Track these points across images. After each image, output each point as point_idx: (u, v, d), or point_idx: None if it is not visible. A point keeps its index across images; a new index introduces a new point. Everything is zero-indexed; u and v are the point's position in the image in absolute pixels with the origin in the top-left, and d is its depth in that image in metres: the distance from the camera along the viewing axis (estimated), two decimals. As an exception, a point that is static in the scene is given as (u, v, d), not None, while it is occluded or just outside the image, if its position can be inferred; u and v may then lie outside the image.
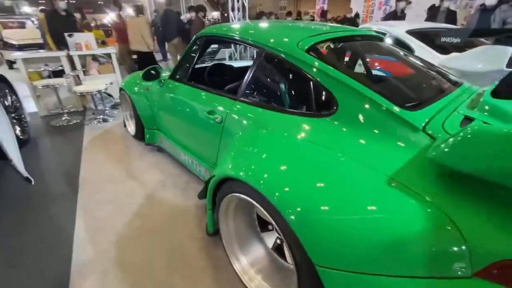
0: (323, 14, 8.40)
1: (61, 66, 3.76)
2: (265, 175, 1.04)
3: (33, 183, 1.79)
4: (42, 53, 3.78)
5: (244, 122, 1.43)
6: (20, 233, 1.69)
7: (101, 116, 3.69)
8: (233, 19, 5.48)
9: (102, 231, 1.70)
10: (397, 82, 1.47)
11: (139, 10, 4.59)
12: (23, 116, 3.08)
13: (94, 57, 4.08)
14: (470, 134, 0.80)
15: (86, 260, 1.49)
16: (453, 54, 2.64)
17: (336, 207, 0.89)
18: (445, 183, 0.86)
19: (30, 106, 3.70)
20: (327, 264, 0.88)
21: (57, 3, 3.92)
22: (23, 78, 3.65)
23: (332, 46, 1.55)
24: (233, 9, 5.89)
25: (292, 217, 0.92)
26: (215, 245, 1.50)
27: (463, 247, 0.77)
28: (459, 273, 0.78)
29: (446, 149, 0.82)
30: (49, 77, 3.67)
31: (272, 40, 1.43)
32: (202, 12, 5.30)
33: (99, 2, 22.01)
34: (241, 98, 1.52)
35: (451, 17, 4.77)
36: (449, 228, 0.79)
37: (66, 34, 3.79)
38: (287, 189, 0.98)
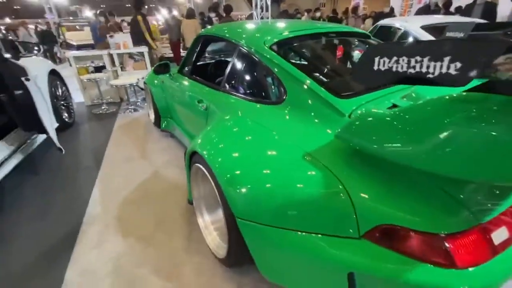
0: (354, 10, 8.18)
1: (103, 63, 4.40)
2: (212, 151, 1.28)
3: (63, 152, 2.27)
4: (88, 52, 4.46)
5: (220, 108, 1.68)
6: (47, 193, 2.17)
7: (133, 107, 4.24)
8: (256, 17, 5.71)
9: (112, 194, 2.10)
10: (345, 75, 1.58)
11: (192, 13, 5.51)
12: (70, 104, 3.73)
13: (130, 55, 4.67)
14: (358, 116, 0.94)
15: (95, 215, 1.89)
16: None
17: (255, 172, 1.10)
18: (345, 157, 1.01)
19: (79, 96, 4.42)
20: (243, 216, 1.09)
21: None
22: (74, 72, 4.38)
23: (301, 42, 1.70)
24: (256, 7, 6.11)
25: (224, 179, 1.15)
26: (193, 213, 1.78)
27: (351, 211, 0.92)
28: (350, 231, 0.93)
29: (342, 129, 0.97)
30: (92, 72, 4.33)
31: (245, 38, 1.64)
32: (213, 13, 5.88)
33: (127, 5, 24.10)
34: (221, 89, 1.77)
35: (489, 10, 4.38)
36: (341, 195, 0.94)
37: (107, 35, 4.42)
38: (221, 159, 1.22)
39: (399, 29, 3.38)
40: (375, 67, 0.77)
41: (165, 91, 2.84)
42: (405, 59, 0.68)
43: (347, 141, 0.97)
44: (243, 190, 1.09)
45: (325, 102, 1.20)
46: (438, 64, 0.61)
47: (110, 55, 4.43)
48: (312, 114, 1.23)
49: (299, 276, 1.09)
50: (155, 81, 3.08)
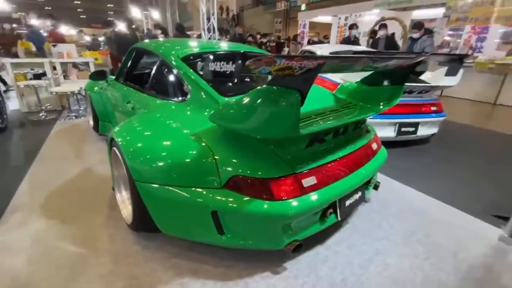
0: (294, 37, 9.42)
1: (43, 70, 4.41)
2: (122, 135, 1.64)
3: None
4: (27, 59, 4.45)
5: (141, 106, 2.03)
6: None
7: (74, 114, 4.29)
8: (204, 37, 6.25)
9: (41, 187, 2.24)
10: (231, 81, 2.07)
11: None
12: (4, 109, 3.68)
13: (75, 65, 4.75)
14: (218, 106, 1.38)
15: (20, 204, 2.02)
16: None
17: (149, 147, 1.49)
18: (216, 133, 1.43)
19: (15, 103, 4.33)
20: (140, 179, 1.44)
21: None
22: (11, 78, 4.31)
23: (205, 56, 2.16)
24: (209, 31, 6.68)
25: (129, 155, 1.50)
26: (114, 198, 2.02)
27: (216, 170, 1.32)
28: (215, 184, 1.33)
29: (211, 114, 1.38)
30: (31, 79, 4.31)
31: (163, 51, 2.05)
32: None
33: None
34: (144, 91, 2.12)
35: (390, 42, 5.54)
36: (209, 158, 1.35)
37: (51, 44, 4.48)
38: (126, 140, 1.58)
39: (314, 53, 4.12)
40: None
41: (103, 97, 3.07)
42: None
43: (215, 122, 1.39)
44: (140, 159, 1.46)
45: (213, 99, 1.63)
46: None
47: (52, 63, 4.48)
48: (204, 107, 1.65)
49: (182, 222, 1.46)
50: (95, 88, 3.29)
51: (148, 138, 1.58)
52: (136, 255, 1.56)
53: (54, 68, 4.53)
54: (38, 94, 4.25)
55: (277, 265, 1.51)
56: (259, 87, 1.17)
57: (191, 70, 1.82)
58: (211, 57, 2.01)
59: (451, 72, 3.32)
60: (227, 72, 1.83)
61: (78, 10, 39.68)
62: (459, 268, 1.53)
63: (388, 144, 3.11)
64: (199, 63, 2.02)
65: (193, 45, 2.20)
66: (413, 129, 3.19)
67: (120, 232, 1.74)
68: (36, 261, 1.51)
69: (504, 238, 1.74)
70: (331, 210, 1.50)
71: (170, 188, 1.39)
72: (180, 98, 1.83)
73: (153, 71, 2.13)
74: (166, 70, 2.04)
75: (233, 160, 1.34)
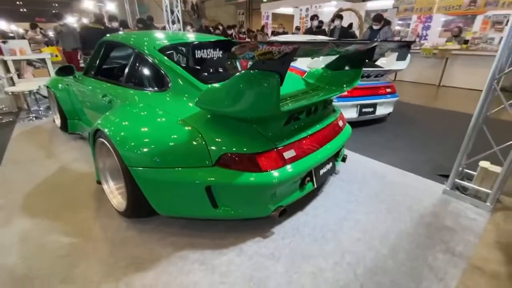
0: (262, 29, 9.60)
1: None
2: (110, 125, 1.68)
3: None
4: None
5: (120, 98, 2.05)
6: None
7: (34, 115, 4.03)
8: (169, 29, 6.13)
9: (14, 190, 2.16)
10: (211, 71, 2.20)
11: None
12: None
13: (29, 62, 4.41)
14: (202, 92, 1.49)
15: (-3, 206, 1.95)
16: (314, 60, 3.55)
17: (139, 133, 1.57)
18: (202, 117, 1.55)
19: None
20: (133, 164, 1.52)
21: None
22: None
23: (181, 48, 2.24)
24: (173, 23, 6.54)
25: (117, 141, 1.57)
26: (101, 191, 2.04)
27: (206, 150, 1.45)
28: (206, 163, 1.46)
29: (196, 100, 1.50)
30: (-20, 79, 3.94)
31: (139, 43, 2.08)
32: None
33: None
34: (122, 84, 2.14)
35: (344, 33, 6.00)
36: (199, 139, 1.47)
37: (0, 41, 4.11)
38: (115, 128, 1.64)
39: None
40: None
41: (71, 94, 2.97)
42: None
43: (201, 107, 1.51)
44: (131, 145, 1.54)
45: (195, 87, 1.74)
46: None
47: (3, 62, 4.12)
48: (186, 95, 1.75)
49: (178, 201, 1.58)
50: (60, 85, 3.15)
51: (136, 125, 1.65)
52: (133, 239, 1.64)
53: (6, 66, 4.17)
54: (-10, 96, 3.90)
55: (265, 231, 1.70)
56: (241, 71, 1.32)
57: (171, 61, 1.90)
58: (189, 47, 2.11)
59: (401, 57, 3.76)
60: (206, 61, 1.96)
61: (18, 3, 35.46)
62: (413, 217, 1.86)
63: (352, 124, 3.47)
64: (176, 54, 2.09)
65: (168, 37, 2.25)
66: (372, 109, 3.57)
67: (113, 221, 1.79)
68: (30, 256, 1.52)
69: (446, 191, 2.12)
70: (308, 178, 1.73)
71: (165, 169, 1.50)
72: (161, 88, 1.90)
73: (129, 64, 2.14)
74: (143, 62, 2.07)
75: (221, 140, 1.48)
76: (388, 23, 5.26)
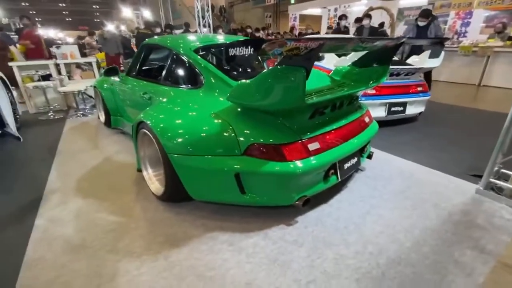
0: (291, 30, 9.79)
1: (49, 72, 4.59)
2: (152, 116, 1.88)
3: (21, 140, 2.56)
4: (33, 61, 4.61)
5: (159, 95, 2.27)
6: (6, 178, 2.45)
7: (81, 113, 4.49)
8: (201, 33, 6.45)
9: (68, 175, 2.47)
10: (240, 69, 2.33)
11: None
12: (16, 110, 3.87)
13: (78, 65, 4.93)
14: (234, 87, 1.63)
15: (54, 189, 2.26)
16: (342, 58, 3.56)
17: (177, 123, 1.74)
18: (234, 111, 1.69)
19: (22, 107, 4.49)
20: (172, 151, 1.70)
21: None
22: (18, 81, 4.47)
23: (213, 49, 2.41)
24: (204, 26, 6.87)
25: (158, 130, 1.76)
26: (141, 179, 2.27)
27: (235, 140, 1.59)
28: (236, 152, 1.60)
29: (229, 95, 1.64)
30: (38, 80, 4.48)
31: (176, 45, 2.29)
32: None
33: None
34: (160, 82, 2.36)
35: (372, 32, 5.85)
36: (229, 130, 1.61)
37: (54, 46, 4.64)
38: (156, 120, 1.84)
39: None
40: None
41: (115, 92, 3.29)
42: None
43: (232, 101, 1.64)
44: (169, 134, 1.72)
45: (226, 84, 1.89)
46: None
47: (57, 65, 4.65)
48: (217, 91, 1.90)
49: (210, 186, 1.73)
50: (105, 85, 3.50)
51: (174, 118, 1.83)
52: (169, 219, 1.82)
53: (58, 69, 4.70)
54: (46, 95, 4.43)
55: (290, 219, 1.79)
56: (270, 68, 1.43)
57: (204, 60, 2.07)
58: (220, 48, 2.27)
59: (434, 55, 3.66)
60: (236, 60, 2.10)
61: (64, 12, 39.00)
62: (440, 214, 1.83)
63: (381, 123, 3.42)
64: (208, 54, 2.25)
65: (200, 39, 2.43)
66: (401, 108, 3.49)
67: (151, 204, 2.00)
68: (83, 229, 1.76)
69: (479, 190, 2.04)
70: (332, 171, 1.79)
71: (198, 157, 1.65)
72: (195, 85, 2.07)
73: (167, 64, 2.36)
74: (180, 62, 2.27)
75: (249, 132, 1.60)
76: (435, 18, 4.79)
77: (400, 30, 8.99)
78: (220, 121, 1.66)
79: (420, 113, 3.74)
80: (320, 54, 3.85)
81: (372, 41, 1.53)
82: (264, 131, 1.60)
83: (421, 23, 4.75)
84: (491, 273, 1.37)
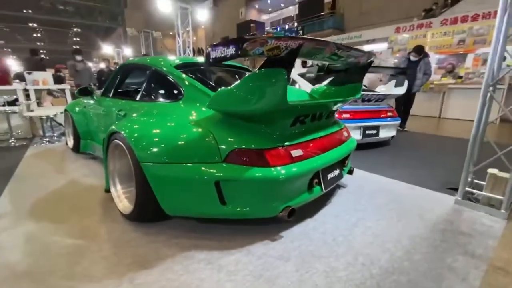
0: None
1: (16, 96, 4.33)
2: (127, 127, 1.77)
3: None
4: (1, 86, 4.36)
5: (135, 112, 2.18)
6: None
7: (47, 140, 4.18)
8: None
9: (22, 198, 2.17)
10: (219, 83, 2.36)
11: None
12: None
13: (49, 92, 4.73)
14: (213, 94, 1.61)
15: (4, 212, 1.95)
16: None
17: (153, 132, 1.65)
18: (213, 117, 1.64)
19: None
20: (146, 160, 1.56)
21: None
22: (-23, 107, 4.14)
23: (192, 67, 2.44)
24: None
25: (132, 140, 1.63)
26: (109, 200, 2.04)
27: (216, 147, 1.51)
28: (216, 159, 1.51)
29: (208, 102, 1.60)
30: (3, 105, 4.20)
31: (158, 62, 2.28)
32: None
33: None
34: (138, 99, 2.29)
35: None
36: (210, 138, 1.54)
37: (25, 72, 4.47)
38: (131, 129, 1.73)
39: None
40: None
41: (87, 115, 3.14)
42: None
43: (213, 108, 1.60)
44: (144, 143, 1.61)
45: (206, 94, 1.87)
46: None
47: (25, 90, 4.42)
48: (199, 102, 1.87)
49: (187, 197, 1.58)
50: (77, 108, 3.35)
51: (151, 126, 1.74)
52: (138, 239, 1.60)
53: (27, 95, 4.47)
54: (10, 121, 4.11)
55: (274, 234, 1.65)
56: (252, 72, 1.44)
57: (184, 74, 2.06)
58: (199, 65, 2.32)
59: (398, 84, 3.98)
60: (213, 75, 2.12)
61: (41, 51, 38.93)
62: (426, 224, 1.80)
63: (358, 146, 3.53)
64: (188, 70, 2.25)
65: (179, 58, 2.46)
66: (375, 131, 3.65)
67: (118, 225, 1.77)
68: (33, 254, 1.48)
69: (458, 201, 2.07)
70: (316, 181, 1.73)
71: (176, 165, 1.53)
72: (175, 99, 2.02)
73: (145, 82, 2.32)
74: (159, 78, 2.24)
75: (230, 138, 1.54)
76: (426, 55, 5.02)
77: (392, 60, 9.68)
78: (199, 128, 1.59)
79: (393, 137, 3.94)
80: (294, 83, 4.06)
81: (347, 49, 1.63)
82: (245, 137, 1.55)
83: (413, 58, 4.95)
84: (485, 276, 1.31)
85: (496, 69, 1.85)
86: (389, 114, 3.79)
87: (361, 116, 3.57)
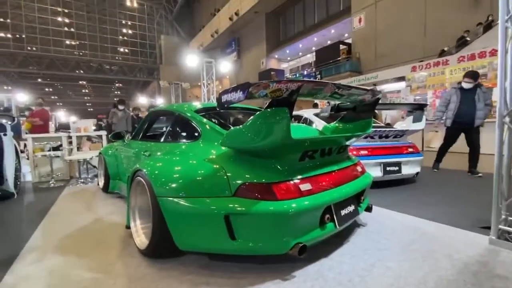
0: None
1: (60, 142, 4.89)
2: (149, 165, 1.94)
3: (15, 196, 2.52)
4: (48, 134, 4.98)
5: (158, 152, 2.38)
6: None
7: (82, 181, 4.55)
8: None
9: (53, 234, 2.33)
10: (234, 123, 2.52)
11: None
12: (18, 176, 3.95)
13: (89, 138, 5.29)
14: (226, 133, 1.75)
15: (35, 246, 2.10)
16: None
17: (171, 169, 1.79)
18: (227, 154, 1.75)
19: (27, 176, 4.60)
20: (162, 194, 1.68)
21: None
22: (29, 151, 4.73)
23: (211, 110, 2.67)
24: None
25: (153, 176, 1.77)
26: (129, 236, 2.13)
27: (226, 180, 1.60)
28: (226, 193, 1.59)
29: (222, 140, 1.74)
30: (49, 150, 4.74)
31: (181, 108, 2.55)
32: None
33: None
34: (162, 141, 2.52)
35: None
36: (222, 173, 1.64)
37: (71, 121, 5.11)
38: (152, 167, 1.89)
39: (301, 116, 4.78)
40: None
41: (118, 157, 3.44)
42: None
43: (226, 145, 1.74)
44: (163, 179, 1.73)
45: (221, 134, 2.02)
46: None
47: (69, 137, 5.00)
48: (215, 141, 2.02)
49: (198, 231, 1.62)
50: (110, 151, 3.70)
51: (170, 165, 1.90)
52: (151, 275, 1.63)
53: (70, 142, 5.04)
54: (52, 164, 4.59)
55: (286, 274, 1.59)
56: (258, 112, 1.58)
57: (203, 118, 2.28)
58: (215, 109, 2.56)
59: (417, 119, 3.95)
60: (230, 117, 2.31)
61: (87, 104, 44.10)
62: (455, 265, 1.64)
63: (379, 184, 3.41)
64: (207, 114, 2.48)
65: (201, 104, 2.73)
66: (397, 168, 3.53)
67: (135, 259, 1.82)
68: (54, 285, 1.56)
69: (493, 240, 1.88)
70: (328, 216, 1.70)
71: (189, 198, 1.62)
72: (194, 139, 2.21)
73: (170, 125, 2.58)
74: (182, 121, 2.49)
75: (240, 173, 1.63)
76: (480, 84, 4.19)
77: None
78: (212, 164, 1.71)
79: (417, 173, 3.76)
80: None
81: (347, 88, 1.73)
82: (255, 172, 1.62)
83: (467, 85, 4.09)
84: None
85: (509, 99, 1.83)
86: (409, 150, 3.69)
87: (379, 152, 3.51)
